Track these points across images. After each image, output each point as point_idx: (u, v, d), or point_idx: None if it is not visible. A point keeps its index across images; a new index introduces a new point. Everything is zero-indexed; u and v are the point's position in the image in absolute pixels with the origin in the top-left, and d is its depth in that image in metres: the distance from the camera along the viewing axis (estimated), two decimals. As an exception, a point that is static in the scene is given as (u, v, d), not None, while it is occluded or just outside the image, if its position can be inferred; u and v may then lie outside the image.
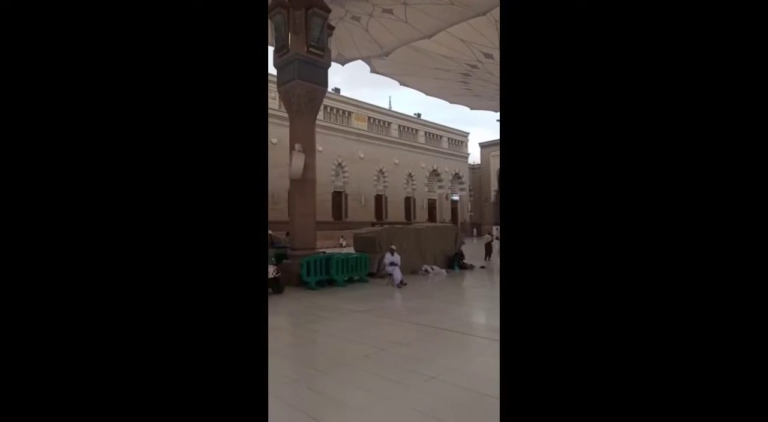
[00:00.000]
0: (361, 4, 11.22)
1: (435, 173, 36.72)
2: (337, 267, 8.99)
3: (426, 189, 35.81)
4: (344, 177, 28.80)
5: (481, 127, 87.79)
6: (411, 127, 34.87)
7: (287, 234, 11.79)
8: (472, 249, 16.20)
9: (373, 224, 24.19)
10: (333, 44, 10.91)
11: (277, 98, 23.71)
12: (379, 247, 10.42)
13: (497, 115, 19.73)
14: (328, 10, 9.88)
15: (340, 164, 28.48)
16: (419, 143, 35.29)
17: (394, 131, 33.08)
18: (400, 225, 14.66)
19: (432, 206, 36.50)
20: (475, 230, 36.34)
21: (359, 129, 30.15)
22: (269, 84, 23.45)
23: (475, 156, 42.69)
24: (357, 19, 12.04)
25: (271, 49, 10.38)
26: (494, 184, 38.75)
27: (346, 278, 9.17)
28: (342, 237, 23.65)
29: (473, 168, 42.17)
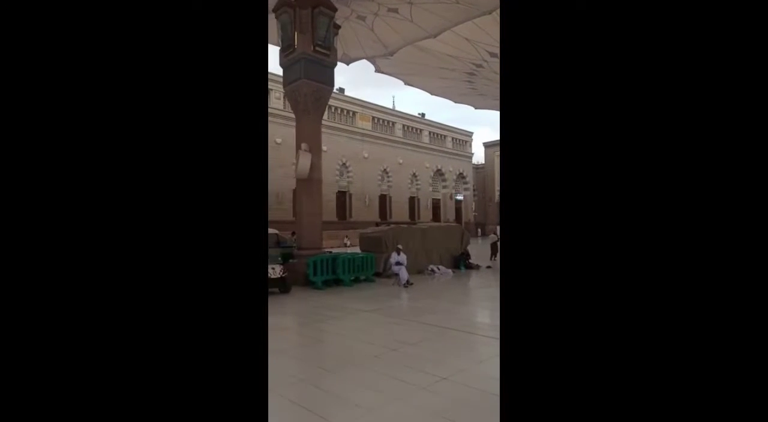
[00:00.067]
0: (366, 3, 11.20)
1: (439, 173, 36.65)
2: (343, 266, 8.98)
3: (430, 189, 35.74)
4: (348, 177, 28.80)
5: (485, 127, 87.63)
6: (415, 126, 34.82)
7: (293, 233, 11.80)
8: (477, 249, 16.16)
9: (377, 224, 24.18)
10: (338, 44, 10.89)
11: (282, 98, 23.81)
12: (385, 247, 10.40)
13: (502, 115, 19.59)
14: (335, 9, 9.87)
15: (344, 164, 28.49)
16: (423, 143, 35.24)
17: (398, 131, 33.05)
18: (405, 225, 14.62)
19: (436, 206, 36.43)
20: (479, 230, 36.25)
21: (364, 129, 30.14)
22: (274, 83, 23.50)
23: (479, 156, 42.63)
24: (362, 18, 12.03)
25: (277, 49, 10.39)
26: (498, 184, 38.59)
27: (352, 278, 9.16)
28: (346, 236, 23.66)
29: (477, 168, 42.07)
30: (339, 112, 28.59)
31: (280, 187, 23.57)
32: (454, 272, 11.19)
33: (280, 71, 10.33)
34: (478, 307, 7.42)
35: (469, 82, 16.85)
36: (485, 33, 12.19)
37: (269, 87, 23.61)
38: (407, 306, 7.18)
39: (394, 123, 32.82)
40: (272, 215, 21.64)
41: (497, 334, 5.20)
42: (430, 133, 36.12)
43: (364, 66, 16.81)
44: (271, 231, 9.90)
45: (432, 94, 18.80)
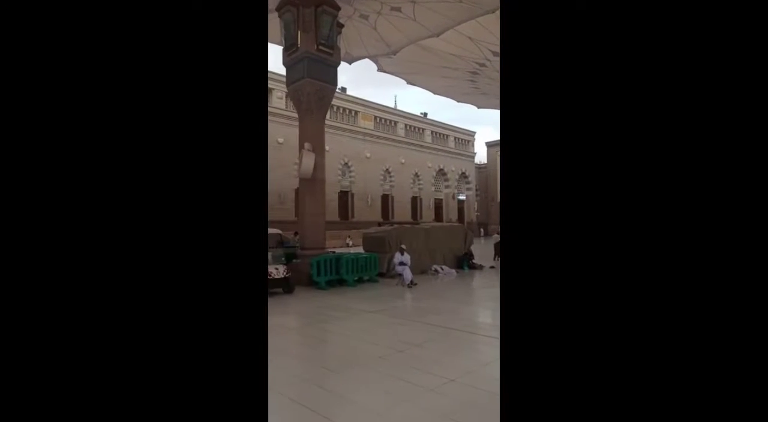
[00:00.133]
0: (369, 2, 11.16)
1: (441, 172, 36.59)
2: (347, 266, 8.95)
3: (432, 188, 35.69)
4: (351, 176, 28.78)
5: (487, 126, 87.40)
6: (417, 126, 34.77)
7: (295, 233, 11.78)
8: (480, 249, 16.10)
9: (379, 224, 24.13)
10: (341, 43, 10.85)
11: (284, 97, 23.81)
12: (389, 247, 10.37)
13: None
14: (338, 8, 9.84)
15: (346, 164, 28.47)
16: (426, 142, 35.18)
17: (400, 130, 33.01)
18: (409, 225, 14.58)
19: (438, 206, 36.37)
20: (482, 230, 36.18)
21: (366, 128, 30.10)
22: (277, 83, 23.48)
23: (481, 155, 42.54)
24: (365, 17, 11.99)
25: (280, 48, 10.36)
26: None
27: (356, 278, 9.13)
28: (349, 236, 23.65)
29: (480, 167, 41.99)
30: (341, 111, 28.57)
31: (282, 187, 23.56)
32: (457, 272, 11.15)
33: (282, 70, 10.30)
34: (483, 308, 7.37)
35: (471, 81, 16.79)
36: (488, 32, 12.13)
37: (271, 86, 23.62)
38: (411, 306, 7.14)
39: (396, 122, 32.77)
40: (274, 215, 21.65)
41: (505, 335, 5.06)
42: (432, 132, 36.05)
43: (365, 65, 16.86)
44: (274, 231, 9.86)
45: (435, 93, 18.75)
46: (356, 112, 29.71)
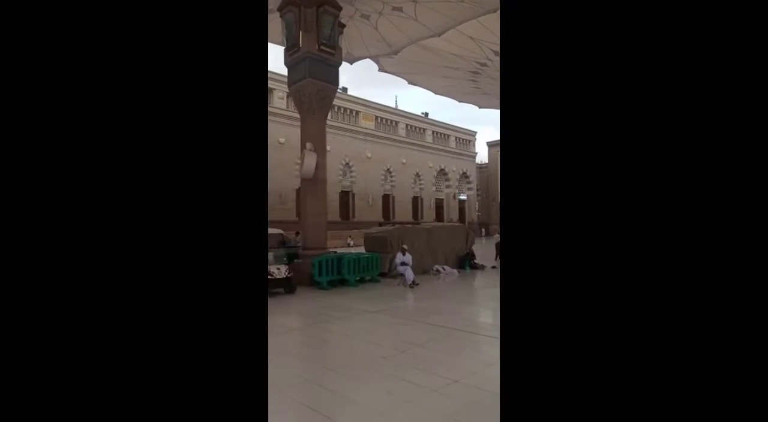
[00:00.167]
0: (371, 1, 11.15)
1: (442, 172, 36.57)
2: (348, 266, 8.94)
3: (433, 188, 35.67)
4: (351, 176, 28.78)
5: (489, 126, 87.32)
6: (418, 126, 34.75)
7: (297, 233, 11.77)
8: (481, 249, 16.08)
9: (380, 224, 24.12)
10: (342, 43, 10.85)
11: (285, 97, 23.81)
12: (390, 247, 10.36)
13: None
14: (339, 8, 9.83)
15: (347, 164, 28.47)
16: (427, 142, 35.17)
17: (401, 130, 32.99)
18: (410, 225, 14.56)
19: (439, 206, 36.36)
20: (483, 230, 36.15)
21: (367, 128, 30.10)
22: (278, 83, 23.47)
23: (482, 155, 42.53)
24: (366, 17, 11.98)
25: (281, 48, 10.35)
26: (502, 184, 38.38)
27: (357, 278, 9.12)
28: (350, 236, 23.64)
29: (481, 167, 41.96)
30: (342, 111, 28.57)
31: (283, 187, 23.56)
32: (459, 272, 11.13)
33: (284, 71, 10.29)
34: (485, 308, 7.36)
35: (473, 81, 16.77)
36: (490, 31, 12.11)
37: (272, 86, 23.62)
38: (413, 306, 7.13)
39: (397, 122, 32.76)
40: (275, 215, 21.65)
41: (508, 336, 5.06)
42: (433, 132, 36.04)
43: (366, 65, 16.84)
44: (276, 231, 9.87)
45: (436, 93, 18.73)
46: (357, 112, 29.71)
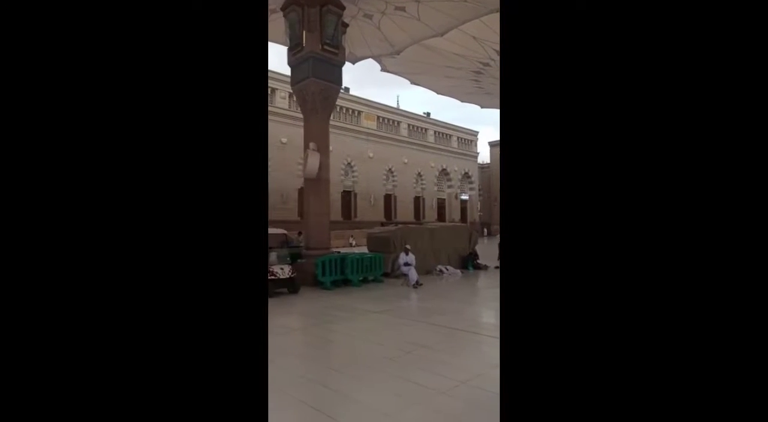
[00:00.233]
0: (374, 1, 11.12)
1: (444, 172, 36.55)
2: (352, 267, 8.92)
3: (435, 188, 35.65)
4: (353, 176, 28.77)
5: (491, 126, 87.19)
6: (420, 126, 34.73)
7: (299, 233, 11.75)
8: (483, 249, 16.05)
9: (382, 223, 24.11)
10: (345, 43, 10.83)
11: (287, 97, 23.81)
12: (393, 247, 10.33)
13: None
14: (343, 7, 9.81)
15: (349, 163, 28.47)
16: (429, 142, 35.14)
17: (403, 130, 32.97)
18: (413, 225, 14.54)
19: (441, 206, 36.33)
20: (485, 230, 36.09)
21: (369, 128, 30.09)
22: (280, 83, 23.46)
23: (484, 155, 42.49)
24: (369, 17, 11.95)
25: (282, 48, 10.34)
26: (504, 184, 38.32)
27: (360, 278, 9.10)
28: (352, 236, 23.61)
29: (483, 167, 41.92)
30: (344, 111, 28.56)
31: (285, 187, 23.57)
32: (462, 272, 11.10)
33: (286, 70, 10.28)
34: (489, 308, 7.33)
35: (475, 80, 16.74)
36: (493, 31, 12.08)
37: (274, 86, 23.63)
38: (417, 307, 7.11)
39: (399, 122, 32.75)
40: (277, 215, 21.65)
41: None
42: (435, 132, 36.02)
43: (367, 65, 16.86)
44: (279, 231, 9.84)
45: (438, 93, 18.70)
46: (359, 112, 29.70)
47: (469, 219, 37.41)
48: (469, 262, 11.89)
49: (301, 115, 10.33)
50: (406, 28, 12.35)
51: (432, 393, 3.12)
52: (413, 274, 8.84)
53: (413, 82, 17.62)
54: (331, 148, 10.13)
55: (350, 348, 4.69)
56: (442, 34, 12.34)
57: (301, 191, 22.16)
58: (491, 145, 41.83)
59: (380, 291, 8.32)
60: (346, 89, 29.25)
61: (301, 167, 19.34)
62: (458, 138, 38.49)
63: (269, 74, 22.97)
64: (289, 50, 9.96)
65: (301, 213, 21.83)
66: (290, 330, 5.62)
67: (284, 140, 23.49)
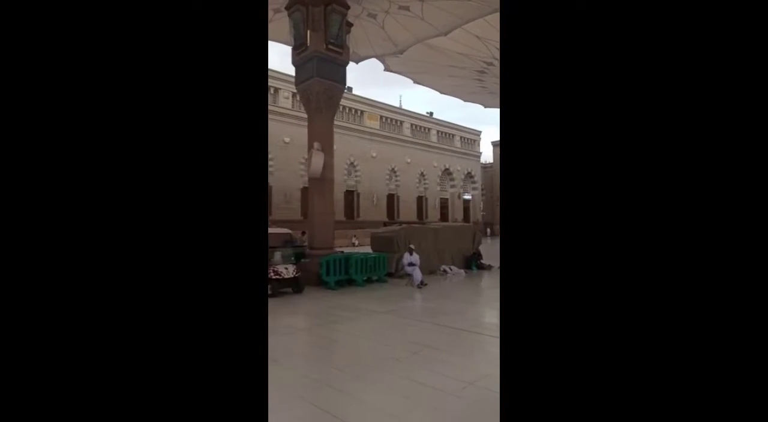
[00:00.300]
0: (378, 0, 11.11)
1: (447, 172, 36.50)
2: (356, 266, 8.91)
3: (438, 188, 35.60)
4: (356, 176, 28.76)
5: (494, 126, 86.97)
6: (423, 125, 34.68)
7: (302, 233, 11.76)
8: (487, 249, 16.02)
9: (385, 223, 24.10)
10: (349, 42, 10.81)
11: (291, 97, 23.81)
12: (397, 247, 10.32)
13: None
14: (347, 7, 9.79)
15: (352, 163, 28.46)
16: (431, 142, 35.09)
17: (406, 130, 32.94)
18: (417, 225, 14.52)
19: (444, 205, 36.29)
20: (488, 229, 36.03)
21: (372, 128, 30.07)
22: (284, 83, 23.47)
23: (487, 155, 42.42)
24: (373, 16, 11.94)
25: (285, 48, 10.33)
26: (507, 183, 38.24)
27: (365, 278, 9.08)
28: (354, 236, 23.62)
29: (486, 167, 41.86)
30: (347, 111, 28.54)
31: (288, 187, 23.58)
32: (466, 272, 11.08)
33: (290, 70, 10.28)
34: (493, 308, 7.29)
35: (479, 80, 16.70)
36: (496, 31, 12.02)
37: (278, 86, 23.64)
38: (422, 307, 7.10)
39: (402, 122, 32.71)
40: (280, 214, 21.68)
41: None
42: (438, 132, 35.97)
43: (370, 65, 16.84)
44: (283, 230, 9.86)
45: (441, 92, 18.67)
46: (362, 112, 29.69)
47: (471, 219, 37.35)
48: (472, 262, 11.86)
49: (304, 115, 10.33)
50: (409, 28, 12.32)
51: (441, 394, 3.10)
52: (417, 274, 8.82)
53: (416, 82, 17.59)
54: (334, 147, 10.12)
55: (356, 348, 4.67)
56: (445, 34, 12.31)
57: (304, 191, 22.21)
58: (494, 144, 41.74)
59: (384, 291, 8.30)
60: (349, 89, 29.21)
61: (304, 167, 19.23)
62: (461, 137, 38.43)
63: (272, 74, 23.04)
64: (294, 50, 9.95)
65: (304, 213, 21.86)
66: (295, 330, 5.61)
67: (287, 140, 23.50)
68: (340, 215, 25.58)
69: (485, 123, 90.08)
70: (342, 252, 9.94)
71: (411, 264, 9.13)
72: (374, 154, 29.87)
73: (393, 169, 31.39)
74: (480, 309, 7.30)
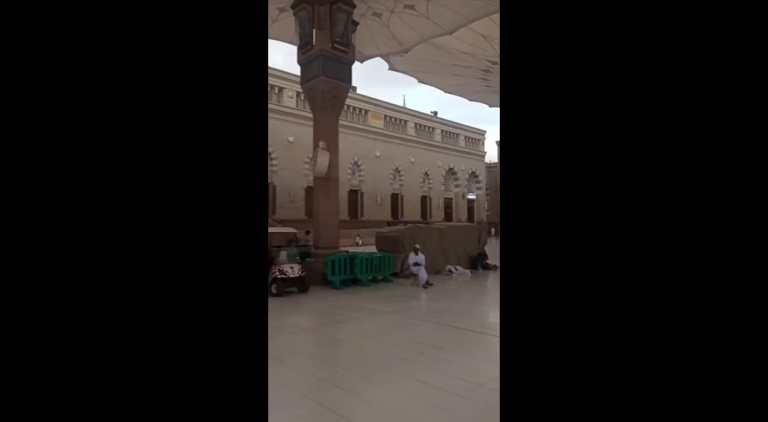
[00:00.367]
0: (383, -1, 11.07)
1: (451, 172, 36.42)
2: (361, 266, 8.88)
3: (442, 188, 35.53)
4: (360, 175, 28.74)
5: (498, 125, 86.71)
6: (427, 125, 34.61)
7: (306, 232, 11.75)
8: (492, 249, 15.95)
9: (389, 223, 24.08)
10: (354, 41, 10.79)
11: (295, 96, 23.83)
12: (403, 247, 10.29)
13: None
14: (353, 5, 9.77)
15: (356, 163, 28.44)
16: (436, 141, 35.01)
17: (410, 129, 32.88)
18: (423, 225, 14.48)
19: (448, 205, 36.21)
20: (492, 229, 35.93)
21: (376, 127, 30.04)
22: (288, 82, 23.48)
23: (492, 154, 42.28)
24: (378, 15, 11.90)
25: (294, 47, 10.32)
26: (511, 183, 38.15)
27: (370, 278, 9.06)
28: (358, 235, 23.60)
29: (490, 166, 41.72)
30: (351, 110, 28.53)
31: (293, 186, 23.60)
32: (471, 272, 11.04)
33: (295, 70, 10.28)
34: (499, 309, 7.26)
35: (484, 79, 16.63)
36: (502, 29, 11.98)
37: (282, 85, 23.65)
38: (428, 307, 7.06)
39: (406, 121, 32.66)
40: (284, 214, 21.69)
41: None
42: (442, 131, 35.88)
43: (374, 64, 16.79)
44: (289, 230, 9.84)
45: (446, 91, 18.61)
46: (366, 111, 29.66)
47: (476, 218, 37.25)
48: (478, 262, 11.82)
49: (308, 114, 10.33)
50: (415, 27, 12.27)
51: (448, 395, 3.07)
52: (423, 274, 8.78)
53: (421, 81, 17.54)
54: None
55: (361, 348, 4.65)
56: (451, 33, 12.25)
57: (308, 190, 22.22)
58: (499, 144, 41.61)
59: (390, 291, 8.28)
60: (354, 88, 29.21)
61: (308, 166, 19.21)
62: (465, 137, 38.32)
63: (277, 73, 23.06)
64: (299, 49, 9.93)
65: (308, 212, 21.87)
66: (300, 329, 5.60)
67: (291, 139, 23.51)
68: (343, 215, 25.58)
69: (490, 122, 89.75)
70: (347, 251, 9.92)
71: (416, 264, 9.10)
72: (378, 154, 29.84)
73: (397, 168, 31.35)
74: (486, 309, 7.25)
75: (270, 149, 22.40)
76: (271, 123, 20.91)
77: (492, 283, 9.80)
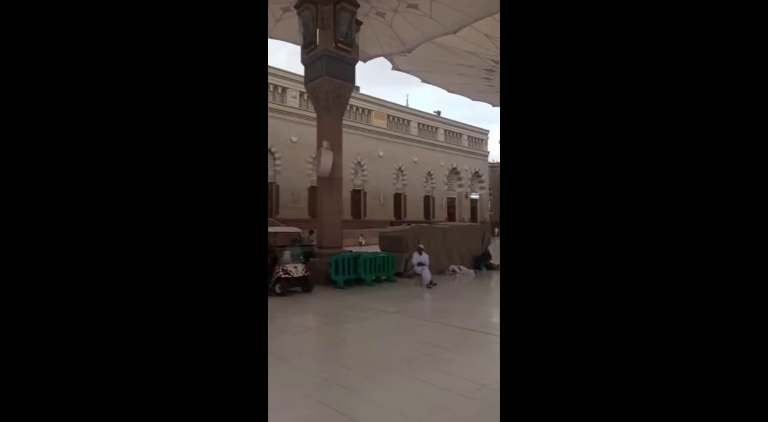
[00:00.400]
0: (387, -1, 11.06)
1: (454, 171, 36.35)
2: (365, 266, 8.88)
3: (445, 187, 35.46)
4: (363, 175, 28.74)
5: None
6: (430, 124, 34.54)
7: (310, 232, 11.76)
8: (495, 249, 15.92)
9: (392, 223, 24.05)
10: (358, 41, 10.78)
11: (298, 96, 23.85)
12: (406, 247, 10.27)
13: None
14: (357, 5, 9.77)
15: (359, 162, 28.43)
16: (439, 141, 34.95)
17: (413, 129, 32.84)
18: (426, 225, 14.47)
19: (451, 205, 36.14)
20: (495, 229, 35.87)
21: (379, 127, 30.02)
22: (291, 82, 23.49)
23: (495, 154, 42.16)
24: (382, 15, 11.89)
25: (297, 47, 10.33)
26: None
27: (373, 277, 9.06)
28: (361, 235, 23.60)
29: (493, 166, 41.60)
30: (355, 110, 28.52)
31: (296, 186, 23.61)
32: (475, 272, 11.01)
33: (298, 69, 10.30)
34: (504, 309, 7.25)
35: (487, 78, 16.59)
36: (506, 29, 11.94)
37: (285, 85, 23.68)
38: (432, 307, 7.05)
39: (409, 121, 32.61)
40: (288, 214, 21.71)
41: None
42: (445, 131, 35.81)
43: (377, 64, 16.80)
44: (293, 229, 9.86)
45: (449, 91, 18.59)
46: (369, 111, 29.64)
47: (479, 218, 37.17)
48: (482, 262, 11.78)
49: (311, 114, 10.34)
50: (418, 26, 12.26)
51: (452, 395, 3.06)
52: (427, 274, 8.77)
53: (424, 81, 17.52)
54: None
55: (365, 348, 4.65)
56: (454, 32, 12.22)
57: (311, 190, 22.24)
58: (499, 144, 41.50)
59: (394, 291, 8.27)
60: (357, 88, 29.19)
61: (311, 166, 19.22)
62: (469, 137, 38.23)
63: (280, 73, 23.08)
64: (303, 48, 9.94)
65: (311, 212, 21.89)
66: (304, 329, 5.61)
67: (294, 139, 23.53)
68: (347, 214, 25.56)
69: (493, 122, 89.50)
70: (350, 251, 9.92)
71: (420, 263, 9.09)
72: (381, 154, 29.83)
73: (400, 168, 31.32)
74: (489, 309, 7.23)
75: (273, 149, 22.43)
76: (274, 123, 20.95)
77: (495, 283, 9.78)
